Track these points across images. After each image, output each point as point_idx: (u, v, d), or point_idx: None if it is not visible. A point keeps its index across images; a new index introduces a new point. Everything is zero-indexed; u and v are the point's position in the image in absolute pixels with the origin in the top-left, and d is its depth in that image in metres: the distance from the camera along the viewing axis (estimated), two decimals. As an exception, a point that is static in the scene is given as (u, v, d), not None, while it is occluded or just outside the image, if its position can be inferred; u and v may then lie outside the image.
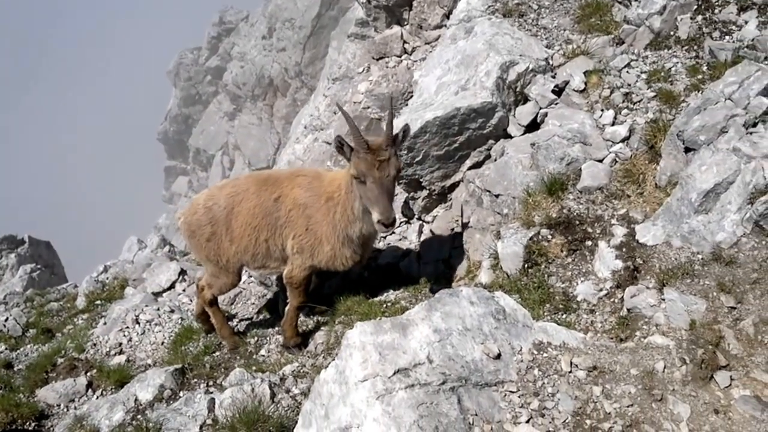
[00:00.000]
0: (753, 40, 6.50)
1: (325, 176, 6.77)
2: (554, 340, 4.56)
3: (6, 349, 9.67)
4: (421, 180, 8.00)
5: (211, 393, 6.02)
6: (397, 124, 7.75)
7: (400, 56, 10.11)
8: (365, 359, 4.10)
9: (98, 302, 12.16)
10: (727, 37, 6.81)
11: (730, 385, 4.01)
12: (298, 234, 6.65)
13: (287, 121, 42.85)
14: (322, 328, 7.24)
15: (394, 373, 3.99)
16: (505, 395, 4.12)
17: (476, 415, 3.95)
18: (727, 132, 5.27)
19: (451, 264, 7.85)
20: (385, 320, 4.43)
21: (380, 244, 9.02)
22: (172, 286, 11.34)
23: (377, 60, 10.33)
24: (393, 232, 8.85)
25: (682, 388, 4.05)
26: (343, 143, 5.77)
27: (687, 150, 5.59)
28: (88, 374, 7.62)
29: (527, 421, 3.92)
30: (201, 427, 5.54)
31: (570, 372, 4.25)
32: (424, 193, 8.23)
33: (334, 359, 6.27)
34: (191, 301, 9.86)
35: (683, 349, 4.30)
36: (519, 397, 4.10)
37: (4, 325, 10.82)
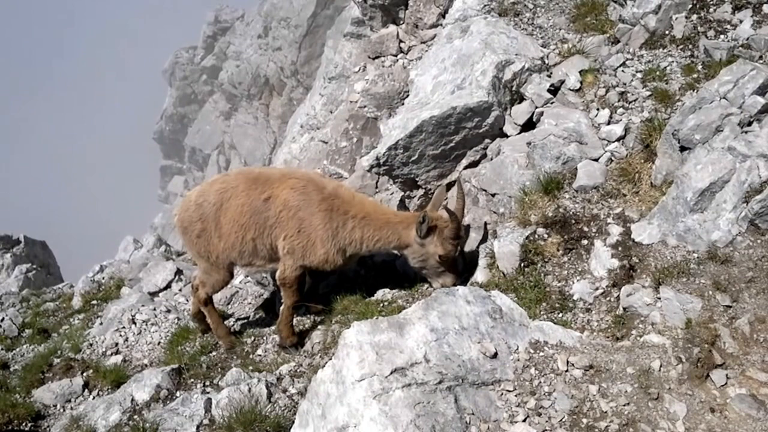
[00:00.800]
0: (748, 39, 6.49)
1: (326, 185, 6.83)
2: (551, 339, 4.57)
3: (2, 349, 9.64)
4: (417, 179, 8.00)
5: (208, 393, 6.00)
6: (393, 123, 7.79)
7: (396, 55, 10.09)
8: (362, 359, 4.11)
9: (94, 302, 12.13)
10: (722, 36, 6.80)
11: (726, 383, 4.03)
12: (289, 235, 6.69)
13: (283, 121, 42.78)
14: (318, 327, 7.21)
15: (391, 373, 4.01)
16: (502, 394, 4.14)
17: (473, 414, 3.96)
18: (722, 131, 5.28)
19: (447, 262, 7.85)
20: (382, 319, 4.45)
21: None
22: (168, 286, 11.33)
23: (373, 59, 10.30)
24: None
25: (678, 386, 4.07)
26: (426, 220, 6.22)
27: (682, 149, 5.60)
28: (85, 374, 7.60)
29: (524, 420, 3.94)
30: (198, 427, 5.54)
31: (566, 371, 4.26)
32: (420, 192, 8.23)
33: (330, 359, 6.27)
34: (187, 300, 9.84)
35: (679, 347, 4.31)
36: (516, 396, 4.12)
37: (0, 326, 10.80)
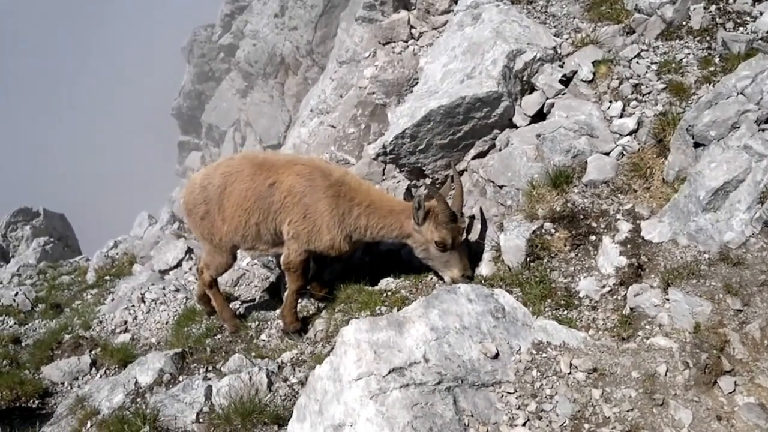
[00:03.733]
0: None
1: (332, 171, 6.82)
2: (554, 340, 4.47)
3: (15, 323, 9.85)
4: (424, 168, 7.91)
5: (209, 380, 6.01)
6: (401, 112, 7.69)
7: (407, 41, 9.98)
8: (360, 357, 4.04)
9: (107, 278, 12.52)
10: (741, 29, 6.61)
11: (734, 391, 3.90)
12: (294, 221, 6.72)
13: (298, 99, 42.95)
14: (322, 315, 7.23)
15: (389, 372, 3.94)
16: (502, 396, 4.05)
17: (472, 416, 3.88)
18: (738, 128, 5.10)
19: (453, 253, 7.77)
20: (381, 317, 4.37)
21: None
22: (178, 265, 11.51)
23: (384, 45, 10.20)
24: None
25: (684, 392, 3.95)
26: (421, 205, 6.23)
27: (696, 145, 5.44)
28: (93, 353, 7.76)
29: (524, 424, 3.86)
30: (198, 415, 5.53)
31: (569, 373, 4.16)
32: (427, 181, 8.14)
33: (332, 348, 6.26)
34: (197, 280, 9.91)
35: (687, 352, 4.19)
36: (516, 398, 4.03)
37: (14, 300, 11.01)
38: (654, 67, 6.79)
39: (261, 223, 6.89)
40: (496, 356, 4.22)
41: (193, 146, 63.31)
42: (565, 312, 5.28)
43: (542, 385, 4.10)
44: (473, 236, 7.09)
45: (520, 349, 4.35)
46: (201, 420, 5.49)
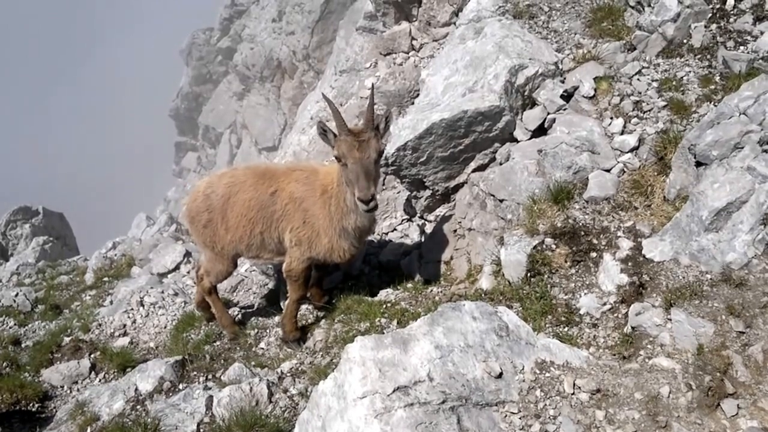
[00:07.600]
0: (768, 51, 6.36)
1: (321, 170, 6.86)
2: (557, 359, 4.47)
3: (15, 324, 9.86)
4: (425, 180, 7.92)
5: (210, 389, 6.00)
6: (403, 124, 7.71)
7: (408, 53, 10.02)
8: (365, 375, 4.03)
9: (106, 279, 12.60)
10: (741, 48, 6.64)
11: (737, 414, 3.91)
12: (295, 227, 6.74)
13: (294, 103, 43.08)
14: (321, 325, 7.23)
15: (394, 391, 3.93)
16: (506, 416, 4.05)
17: (475, 436, 3.88)
18: (742, 149, 5.13)
19: (453, 265, 7.79)
20: (387, 335, 4.36)
21: (375, 233, 8.99)
22: (176, 268, 11.54)
23: (385, 56, 10.23)
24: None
25: (687, 415, 3.96)
26: (326, 129, 5.94)
27: (698, 164, 5.47)
28: (92, 356, 7.74)
29: (528, 445, 3.86)
30: (198, 425, 5.52)
31: (573, 394, 4.17)
32: (427, 192, 8.15)
33: (332, 358, 6.28)
34: (195, 284, 9.94)
35: (689, 374, 4.21)
36: (520, 418, 4.02)
37: (14, 301, 11.06)
38: (655, 84, 6.82)
39: (265, 231, 6.93)
40: (500, 375, 4.22)
41: (189, 147, 63.49)
42: (566, 329, 5.28)
43: (546, 405, 4.10)
44: (475, 250, 7.11)
45: (523, 368, 4.35)
46: (202, 430, 5.49)
